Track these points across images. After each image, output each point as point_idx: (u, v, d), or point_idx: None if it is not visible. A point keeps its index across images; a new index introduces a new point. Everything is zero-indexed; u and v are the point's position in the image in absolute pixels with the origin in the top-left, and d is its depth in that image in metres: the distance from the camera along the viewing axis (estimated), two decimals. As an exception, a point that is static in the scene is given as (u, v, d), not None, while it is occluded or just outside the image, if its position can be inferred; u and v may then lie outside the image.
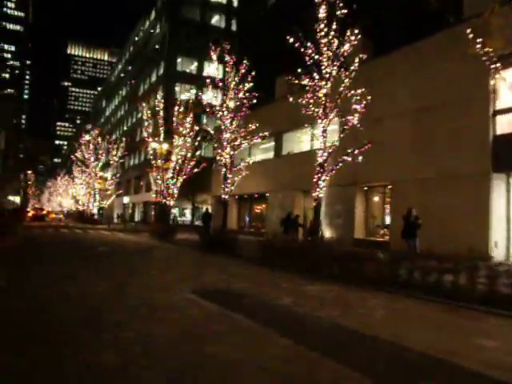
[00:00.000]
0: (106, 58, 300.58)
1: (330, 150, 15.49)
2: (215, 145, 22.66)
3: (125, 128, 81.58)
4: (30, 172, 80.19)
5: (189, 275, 12.57)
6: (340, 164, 15.36)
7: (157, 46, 66.36)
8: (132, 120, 78.17)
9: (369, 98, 15.19)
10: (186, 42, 60.77)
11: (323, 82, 15.63)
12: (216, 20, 64.92)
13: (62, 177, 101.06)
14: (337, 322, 7.23)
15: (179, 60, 61.33)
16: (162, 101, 31.63)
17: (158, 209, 46.26)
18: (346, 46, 15.52)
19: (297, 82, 15.97)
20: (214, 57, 22.39)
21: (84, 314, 7.28)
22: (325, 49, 15.59)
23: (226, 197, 22.15)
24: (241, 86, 21.74)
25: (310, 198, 29.99)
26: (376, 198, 24.68)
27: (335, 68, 15.61)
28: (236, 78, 21.76)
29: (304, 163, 28.81)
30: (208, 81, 23.87)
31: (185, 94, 57.93)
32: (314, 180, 15.82)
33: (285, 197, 30.07)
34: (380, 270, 11.88)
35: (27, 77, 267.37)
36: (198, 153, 30.57)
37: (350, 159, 15.26)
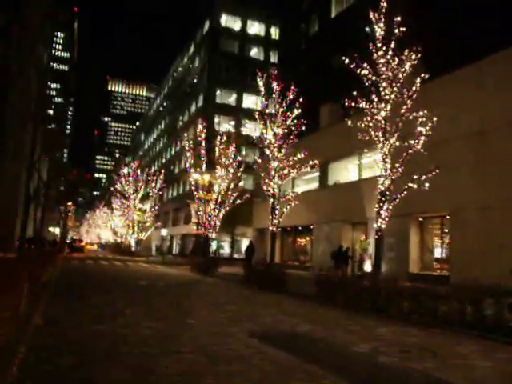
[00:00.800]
0: (144, 93, 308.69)
1: (393, 177, 14.18)
2: (262, 174, 21.56)
3: (163, 160, 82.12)
4: (69, 203, 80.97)
5: (241, 314, 11.34)
6: (405, 192, 14.02)
7: (196, 79, 66.91)
8: (170, 153, 78.57)
9: (434, 119, 13.90)
10: (224, 75, 61.01)
11: (382, 105, 14.48)
12: (255, 52, 65.11)
13: (101, 209, 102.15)
14: (443, 379, 5.88)
15: (218, 92, 61.45)
16: (204, 130, 31.01)
17: (197, 241, 45.37)
18: (407, 66, 14.40)
19: (353, 105, 14.85)
20: (261, 83, 21.47)
21: (130, 364, 6.14)
22: (383, 69, 14.49)
23: (274, 229, 20.91)
24: (288, 113, 20.81)
25: (358, 230, 28.59)
26: (431, 229, 23.08)
27: (395, 89, 14.46)
28: (284, 104, 20.80)
29: (352, 194, 27.48)
30: (252, 107, 22.87)
31: (224, 125, 57.68)
32: (376, 210, 14.52)
33: (332, 229, 28.66)
34: (461, 310, 10.42)
35: (69, 112, 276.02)
36: (241, 183, 29.65)
37: (415, 186, 13.92)
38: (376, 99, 14.67)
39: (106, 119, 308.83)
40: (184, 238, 64.83)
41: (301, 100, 20.89)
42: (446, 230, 21.84)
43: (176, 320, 9.85)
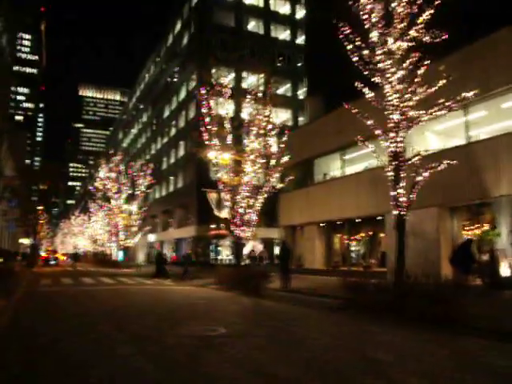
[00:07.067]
0: (117, 98, 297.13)
1: None
2: (368, 122, 12.47)
3: (147, 157, 72.38)
4: (40, 208, 70.64)
5: None
6: None
7: (184, 60, 57.83)
8: (156, 147, 69.21)
9: None
10: (219, 51, 52.06)
11: None
12: (253, 26, 56.20)
13: (77, 216, 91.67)
14: None
15: (213, 71, 52.33)
16: (231, 85, 22.22)
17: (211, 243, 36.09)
18: None
19: None
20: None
21: None
22: None
23: (402, 213, 11.84)
24: (408, 18, 12.01)
25: (460, 217, 20.02)
26: None
27: None
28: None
29: (452, 167, 18.91)
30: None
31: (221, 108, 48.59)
32: None
33: (420, 219, 19.97)
34: None
35: (40, 119, 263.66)
36: (286, 159, 20.75)
37: None
38: None
39: (78, 126, 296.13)
40: (178, 243, 55.64)
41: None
42: None
43: None
